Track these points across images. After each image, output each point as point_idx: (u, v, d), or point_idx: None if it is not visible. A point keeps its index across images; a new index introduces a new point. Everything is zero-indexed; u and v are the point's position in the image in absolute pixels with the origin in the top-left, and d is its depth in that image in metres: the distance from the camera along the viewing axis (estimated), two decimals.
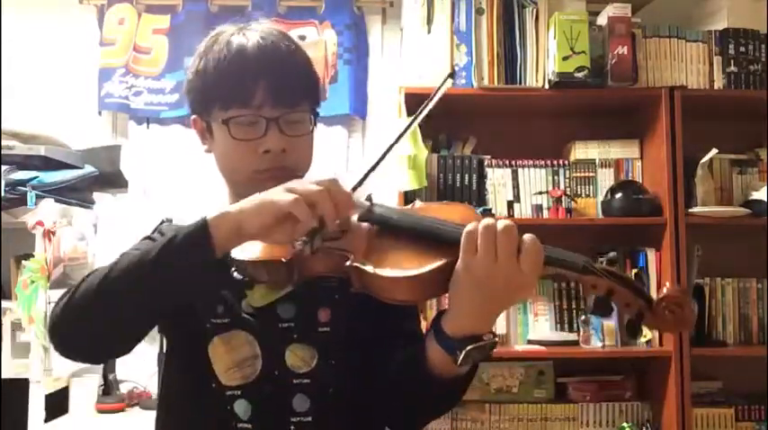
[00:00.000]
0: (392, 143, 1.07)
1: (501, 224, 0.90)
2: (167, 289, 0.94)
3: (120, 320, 0.95)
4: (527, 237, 0.90)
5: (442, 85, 1.11)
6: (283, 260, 0.96)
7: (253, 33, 1.10)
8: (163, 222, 1.22)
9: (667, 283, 0.91)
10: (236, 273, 1.00)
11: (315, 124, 1.14)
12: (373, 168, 1.05)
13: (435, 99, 1.11)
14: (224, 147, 1.10)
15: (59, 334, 0.98)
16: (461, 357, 0.92)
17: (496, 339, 0.95)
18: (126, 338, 0.99)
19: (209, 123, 1.12)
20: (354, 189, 1.02)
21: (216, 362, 1.07)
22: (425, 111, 1.10)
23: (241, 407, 1.06)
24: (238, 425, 1.05)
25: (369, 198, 1.11)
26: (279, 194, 0.91)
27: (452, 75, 1.15)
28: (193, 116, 1.15)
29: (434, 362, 0.97)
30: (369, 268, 0.94)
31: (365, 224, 1.03)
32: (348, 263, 0.96)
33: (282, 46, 1.11)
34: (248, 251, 0.97)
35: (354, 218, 1.03)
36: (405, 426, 1.15)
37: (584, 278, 0.91)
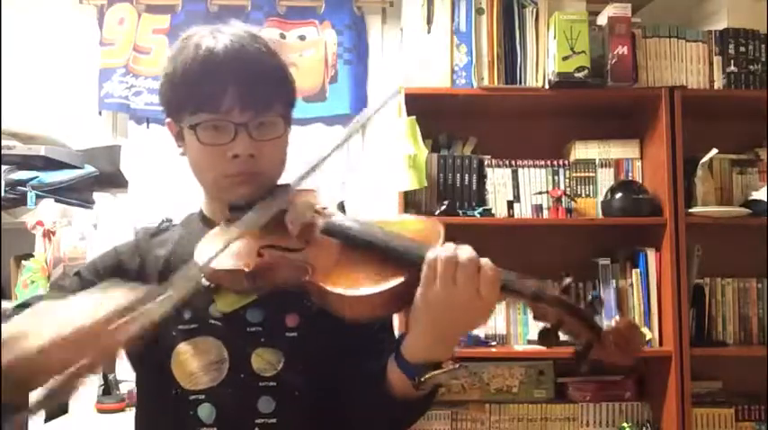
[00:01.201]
0: (326, 155, 1.04)
1: (463, 254, 0.89)
2: None
3: None
4: (484, 262, 0.90)
5: (387, 99, 1.12)
6: (246, 270, 0.98)
7: (222, 36, 1.09)
8: (163, 222, 1.22)
9: (616, 316, 0.92)
10: (203, 280, 1.01)
11: (288, 127, 1.14)
12: (306, 175, 1.03)
13: (376, 112, 1.11)
14: (194, 152, 1.10)
15: None
16: (420, 383, 0.93)
17: (457, 365, 0.94)
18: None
19: (180, 127, 1.11)
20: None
21: (179, 367, 1.06)
22: (363, 122, 1.09)
23: (204, 411, 1.05)
24: (202, 429, 1.05)
25: (341, 206, 1.10)
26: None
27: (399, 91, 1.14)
28: (167, 119, 1.15)
29: (395, 383, 0.98)
30: (325, 285, 0.94)
31: (328, 238, 1.02)
32: (306, 277, 0.96)
33: (252, 49, 1.09)
34: (214, 260, 0.96)
35: (318, 230, 1.03)
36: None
37: (535, 305, 0.91)
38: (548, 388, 2.57)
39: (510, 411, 2.51)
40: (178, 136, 1.14)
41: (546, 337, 0.91)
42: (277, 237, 1.02)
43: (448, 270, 0.88)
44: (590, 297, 0.93)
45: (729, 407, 2.53)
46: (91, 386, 2.41)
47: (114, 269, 1.14)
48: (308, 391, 1.07)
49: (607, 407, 2.54)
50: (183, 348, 1.07)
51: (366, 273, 0.95)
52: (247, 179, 1.09)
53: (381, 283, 0.92)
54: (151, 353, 1.06)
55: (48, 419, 2.24)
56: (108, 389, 2.44)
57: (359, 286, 0.93)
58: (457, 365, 0.94)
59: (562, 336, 0.92)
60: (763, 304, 2.59)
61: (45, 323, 0.87)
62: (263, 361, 1.07)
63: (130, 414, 2.39)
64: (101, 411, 2.40)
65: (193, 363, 1.06)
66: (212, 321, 1.07)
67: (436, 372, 0.93)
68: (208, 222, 1.17)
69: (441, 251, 0.89)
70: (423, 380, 0.93)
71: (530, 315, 2.52)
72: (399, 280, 0.92)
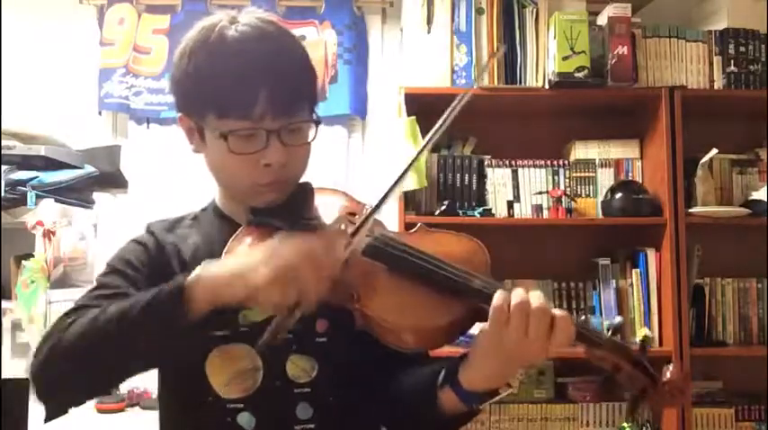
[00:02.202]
0: (399, 175, 1.02)
1: (534, 302, 0.89)
2: (152, 347, 0.92)
3: (112, 368, 0.93)
4: (559, 315, 0.90)
5: (457, 103, 1.05)
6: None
7: (249, 30, 1.02)
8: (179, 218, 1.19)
9: (671, 366, 0.94)
10: None
11: (316, 130, 1.07)
12: (380, 204, 0.98)
13: (448, 120, 1.05)
14: (221, 158, 1.04)
15: (46, 376, 0.93)
16: (476, 409, 0.95)
17: (512, 388, 0.96)
18: (116, 381, 0.99)
19: (200, 127, 1.05)
20: (357, 230, 0.95)
21: (214, 374, 1.04)
22: (437, 135, 1.04)
23: (244, 419, 1.04)
24: None
25: (378, 223, 1.06)
26: (254, 267, 0.86)
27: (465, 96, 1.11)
28: (179, 114, 1.09)
29: (446, 404, 0.99)
30: (370, 312, 0.92)
31: (370, 260, 0.98)
32: (353, 303, 0.94)
33: (284, 44, 1.04)
34: None
35: (358, 252, 0.98)
36: None
37: (592, 351, 0.93)
38: (548, 388, 2.57)
39: (510, 411, 2.51)
40: (192, 132, 1.08)
41: (630, 407, 0.95)
42: None
43: (520, 318, 0.88)
44: (615, 321, 0.96)
45: (729, 407, 2.53)
46: None
47: (147, 260, 1.08)
48: (343, 396, 1.07)
49: (607, 407, 2.53)
50: (216, 355, 1.04)
51: (417, 302, 0.92)
52: (279, 187, 1.05)
53: (436, 317, 0.90)
54: (183, 358, 1.04)
55: (48, 419, 2.24)
56: None
57: (409, 317, 0.90)
58: (512, 389, 0.96)
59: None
60: (763, 304, 2.59)
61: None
62: (298, 368, 1.06)
63: (131, 414, 2.41)
64: (101, 411, 2.40)
65: (227, 371, 1.04)
66: (243, 329, 1.04)
67: (495, 399, 0.95)
68: (225, 219, 1.13)
69: (513, 299, 0.88)
70: (481, 407, 0.95)
71: None
72: (455, 316, 0.91)
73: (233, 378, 1.04)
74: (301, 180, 1.11)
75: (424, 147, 1.05)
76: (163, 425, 1.15)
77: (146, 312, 0.88)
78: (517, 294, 0.89)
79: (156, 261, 1.08)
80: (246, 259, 0.89)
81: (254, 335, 1.02)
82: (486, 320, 0.90)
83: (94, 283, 1.06)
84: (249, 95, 0.99)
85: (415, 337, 0.92)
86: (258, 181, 1.04)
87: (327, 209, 1.09)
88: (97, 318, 0.91)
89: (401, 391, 1.08)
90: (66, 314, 0.96)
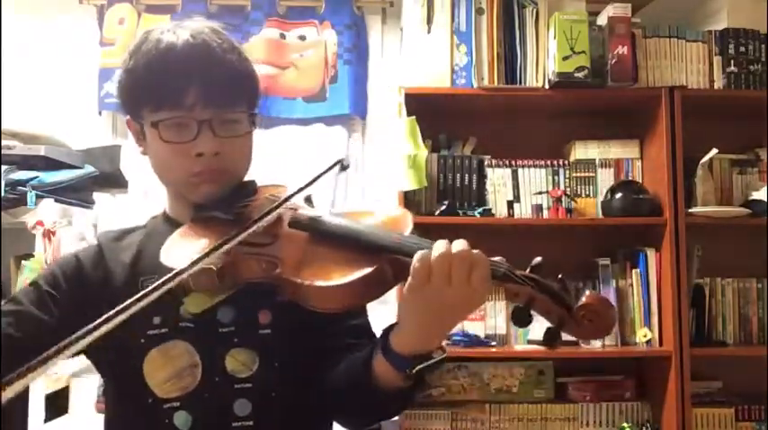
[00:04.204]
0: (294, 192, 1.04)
1: (455, 248, 0.87)
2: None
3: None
4: (475, 252, 0.88)
5: (327, 169, 1.09)
6: (214, 268, 0.96)
7: (183, 31, 1.07)
8: (127, 228, 1.21)
9: (587, 291, 0.91)
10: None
11: (253, 125, 1.12)
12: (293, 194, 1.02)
13: (316, 181, 1.07)
14: (156, 150, 1.08)
15: None
16: (410, 374, 0.92)
17: (445, 354, 0.94)
18: None
19: (141, 125, 1.09)
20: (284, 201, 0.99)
21: (151, 375, 1.03)
22: (306, 189, 1.06)
23: (180, 419, 1.03)
24: None
25: (308, 200, 1.09)
26: None
27: (342, 165, 1.14)
28: (127, 117, 1.12)
29: (382, 375, 0.96)
30: (295, 278, 0.93)
31: (296, 231, 1.02)
32: (276, 271, 0.95)
33: (214, 44, 1.07)
34: (181, 260, 0.93)
35: (285, 224, 1.02)
36: (350, 427, 1.14)
37: (505, 286, 0.90)
38: (548, 388, 2.57)
39: (510, 411, 2.51)
40: (138, 134, 1.11)
41: (520, 313, 0.90)
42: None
43: (442, 267, 0.86)
44: (536, 261, 0.93)
45: (729, 407, 2.53)
46: (91, 386, 2.41)
47: (76, 277, 1.10)
48: (285, 391, 1.06)
49: (607, 407, 2.53)
50: (154, 355, 1.04)
51: (336, 264, 0.94)
52: (212, 177, 1.07)
53: (351, 273, 0.91)
54: (122, 360, 1.04)
55: (48, 419, 2.24)
56: None
57: (329, 277, 0.92)
58: (445, 354, 0.93)
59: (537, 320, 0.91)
60: (763, 304, 2.59)
61: None
62: (238, 362, 1.05)
63: None
64: (101, 411, 2.39)
65: (166, 370, 1.03)
66: (183, 324, 1.04)
67: (428, 363, 0.92)
68: (173, 223, 1.14)
69: (435, 250, 0.87)
70: (414, 371, 0.92)
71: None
72: (369, 269, 0.91)
73: (172, 376, 1.03)
74: (247, 178, 1.14)
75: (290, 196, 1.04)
76: (105, 427, 1.14)
77: None
78: (439, 245, 0.88)
79: (86, 278, 1.10)
80: None
81: (192, 331, 1.04)
82: (405, 275, 0.89)
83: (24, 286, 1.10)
84: (180, 86, 1.03)
85: (337, 295, 0.92)
86: (190, 170, 1.06)
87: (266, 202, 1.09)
88: None
89: (340, 376, 1.05)
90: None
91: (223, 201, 1.08)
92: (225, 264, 0.96)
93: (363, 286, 0.92)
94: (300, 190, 1.04)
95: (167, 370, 1.03)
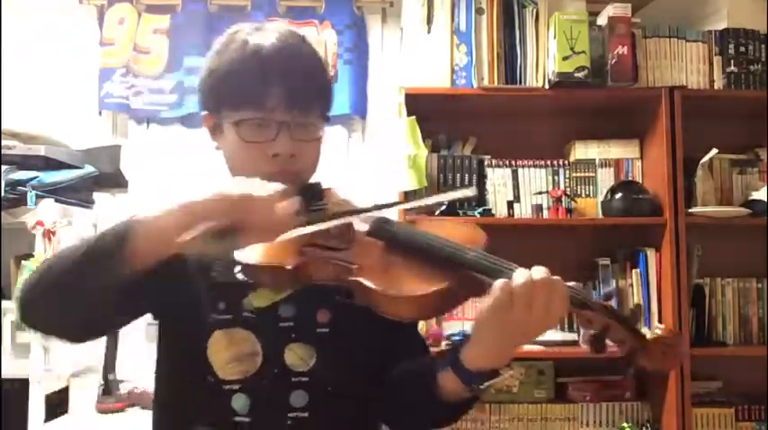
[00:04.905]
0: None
1: (536, 275, 0.91)
2: (105, 283, 0.93)
3: (74, 303, 0.94)
4: (555, 280, 0.92)
5: (447, 196, 1.14)
6: (288, 268, 0.97)
7: (269, 34, 1.10)
8: None
9: (661, 325, 0.95)
10: (239, 275, 1.01)
11: (324, 129, 1.15)
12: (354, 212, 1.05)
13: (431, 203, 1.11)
14: (233, 148, 1.10)
15: (23, 300, 0.98)
16: (477, 389, 0.97)
17: (512, 371, 0.97)
18: (92, 319, 0.99)
19: (219, 122, 1.12)
20: (322, 219, 1.00)
21: (215, 355, 1.06)
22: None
23: (239, 402, 1.06)
24: (236, 419, 1.05)
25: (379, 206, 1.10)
26: (195, 196, 0.93)
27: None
28: (204, 112, 1.15)
29: (446, 387, 1.01)
30: (371, 284, 0.94)
31: (373, 239, 1.03)
32: (352, 276, 0.97)
33: (299, 48, 1.11)
34: (254, 255, 0.97)
35: (363, 232, 1.04)
36: (403, 428, 1.17)
37: (581, 312, 0.94)
38: (548, 388, 2.57)
39: (510, 411, 2.50)
40: (214, 130, 1.14)
41: (594, 343, 0.93)
42: (318, 236, 1.01)
43: (525, 297, 0.90)
44: (607, 289, 0.97)
45: (729, 407, 2.53)
46: (91, 386, 2.41)
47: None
48: (341, 387, 1.08)
49: (607, 407, 2.53)
50: (219, 336, 1.07)
51: (411, 274, 0.96)
52: (285, 178, 1.06)
53: (426, 287, 0.93)
54: (190, 336, 1.08)
55: (48, 419, 2.24)
56: (108, 389, 2.44)
57: (403, 288, 0.94)
58: (512, 371, 0.97)
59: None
60: (763, 304, 2.59)
61: None
62: (296, 356, 1.08)
63: (131, 414, 2.41)
64: (101, 411, 2.39)
65: (229, 352, 1.06)
66: (246, 314, 1.08)
67: (496, 379, 0.96)
68: None
69: (517, 279, 0.91)
70: (482, 387, 0.96)
71: None
72: (443, 284, 0.93)
73: (233, 359, 1.06)
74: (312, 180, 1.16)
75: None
76: (156, 408, 1.16)
77: (93, 248, 0.95)
78: (521, 273, 0.91)
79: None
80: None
81: (254, 321, 1.07)
82: (478, 292, 0.93)
83: None
84: (264, 88, 1.06)
85: (411, 306, 0.94)
86: (265, 170, 1.07)
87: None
88: (60, 255, 0.98)
89: (399, 379, 1.10)
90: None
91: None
92: (299, 264, 0.98)
93: (436, 300, 0.94)
94: (416, 207, 1.07)
95: (230, 351, 1.06)
